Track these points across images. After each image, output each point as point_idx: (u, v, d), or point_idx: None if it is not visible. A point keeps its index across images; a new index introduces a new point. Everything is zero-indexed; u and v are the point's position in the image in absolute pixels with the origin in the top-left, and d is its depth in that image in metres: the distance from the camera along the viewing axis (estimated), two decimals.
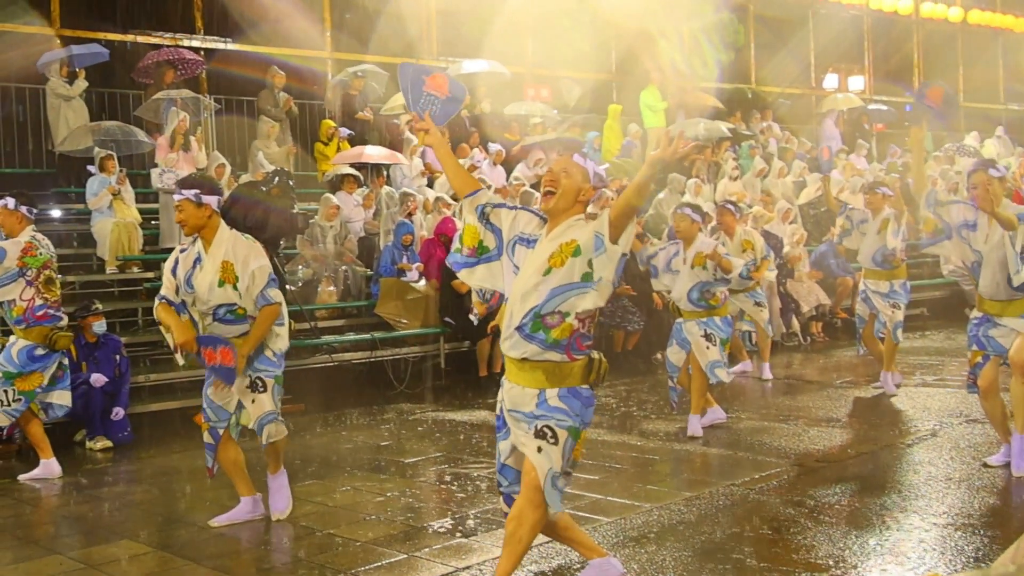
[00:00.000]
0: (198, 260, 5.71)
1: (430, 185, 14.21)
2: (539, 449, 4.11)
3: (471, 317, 10.91)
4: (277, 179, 9.80)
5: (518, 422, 4.20)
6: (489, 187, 12.85)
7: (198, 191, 5.67)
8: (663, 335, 8.68)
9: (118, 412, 8.76)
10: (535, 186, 14.45)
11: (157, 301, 5.74)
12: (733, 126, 18.19)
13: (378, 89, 15.42)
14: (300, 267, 11.62)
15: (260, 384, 5.77)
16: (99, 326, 8.86)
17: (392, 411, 9.99)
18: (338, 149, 14.28)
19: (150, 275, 11.21)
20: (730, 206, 10.75)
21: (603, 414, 9.18)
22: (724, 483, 6.48)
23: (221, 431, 5.85)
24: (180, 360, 5.75)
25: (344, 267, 11.87)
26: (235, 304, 5.69)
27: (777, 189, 16.25)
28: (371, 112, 15.06)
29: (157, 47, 14.19)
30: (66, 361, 7.75)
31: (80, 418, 8.60)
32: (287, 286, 10.63)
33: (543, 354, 4.12)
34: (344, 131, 14.47)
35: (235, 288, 5.64)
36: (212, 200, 5.71)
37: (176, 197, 5.67)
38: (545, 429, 4.12)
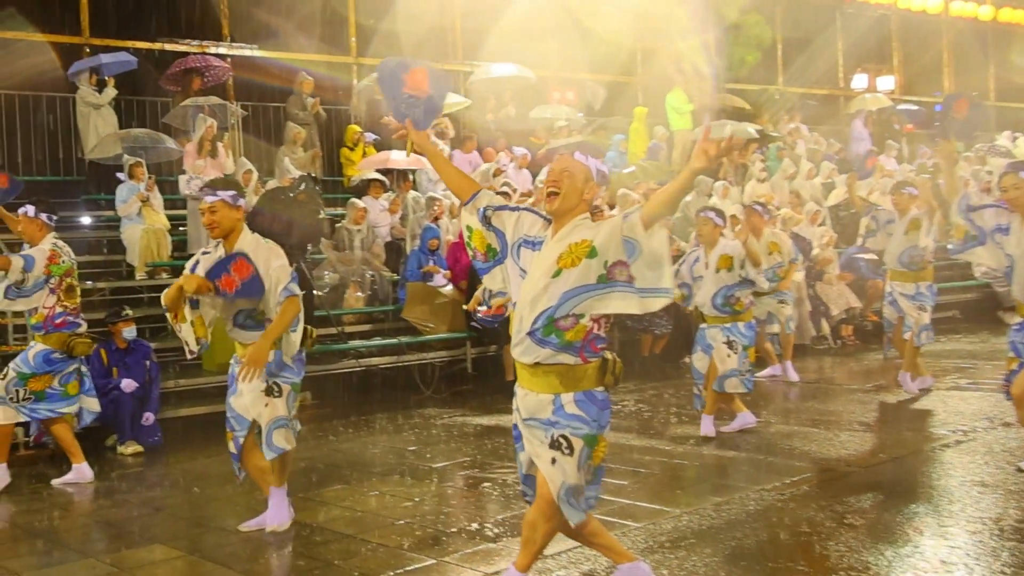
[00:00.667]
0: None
1: None
2: (553, 461, 4.08)
3: (475, 321, 10.82)
4: (303, 185, 9.85)
5: (533, 430, 4.17)
6: (514, 191, 12.86)
7: (235, 193, 5.72)
8: (691, 338, 8.64)
9: (148, 417, 8.83)
10: None
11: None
12: (760, 128, 18.13)
13: None
14: (327, 272, 11.68)
15: (276, 389, 5.75)
16: (129, 332, 8.93)
17: (419, 416, 10.01)
18: (364, 154, 14.34)
19: None
20: (758, 207, 10.69)
21: (631, 418, 9.17)
22: (754, 488, 6.46)
23: (243, 439, 5.85)
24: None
25: (371, 272, 11.93)
26: (255, 308, 5.70)
27: (806, 191, 16.17)
28: None
29: (184, 55, 14.31)
30: (85, 368, 7.82)
31: (111, 423, 8.68)
32: (314, 291, 10.69)
33: (555, 356, 4.07)
34: (370, 136, 14.53)
35: None
36: (243, 203, 5.79)
37: (209, 199, 5.63)
38: (560, 439, 4.08)
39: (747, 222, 10.47)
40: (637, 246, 4.01)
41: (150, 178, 11.90)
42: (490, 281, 4.42)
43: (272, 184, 12.63)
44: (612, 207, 13.09)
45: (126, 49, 13.94)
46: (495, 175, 13.73)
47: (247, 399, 5.76)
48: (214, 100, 13.20)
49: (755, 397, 9.48)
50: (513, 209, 4.31)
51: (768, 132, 18.57)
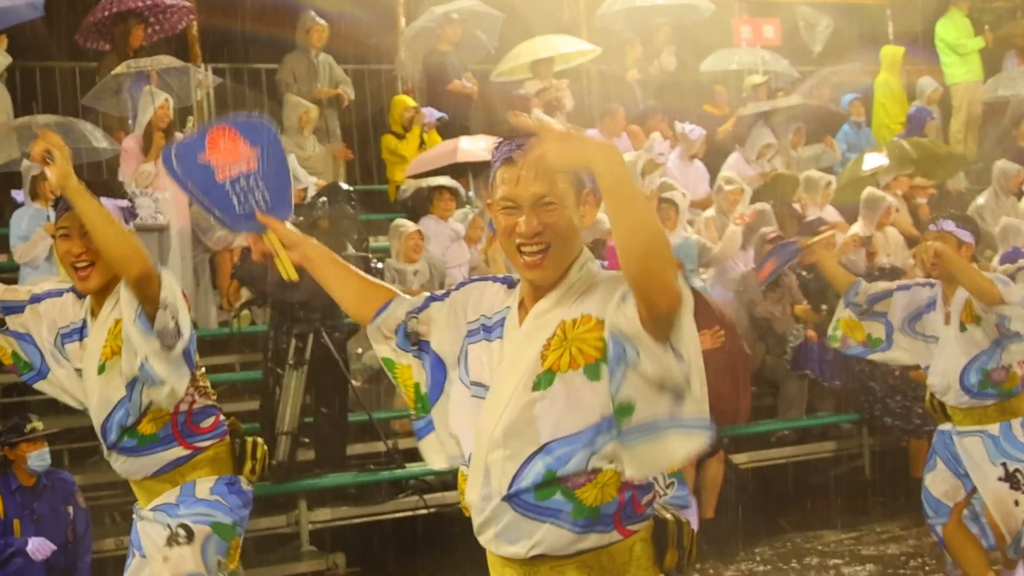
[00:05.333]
0: (80, 331, 5.77)
1: None
2: None
3: None
4: (326, 202, 9.87)
5: None
6: (675, 204, 12.74)
7: (127, 203, 5.77)
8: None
9: None
10: (761, 193, 14.30)
11: None
12: None
13: (486, 41, 15.60)
14: (366, 348, 11.70)
15: (183, 534, 5.76)
16: (38, 458, 8.97)
17: None
18: (422, 144, 14.41)
19: None
20: None
21: None
22: None
23: None
24: None
25: None
26: (128, 402, 5.66)
27: None
28: (474, 80, 15.26)
29: None
30: None
31: None
32: (350, 381, 10.72)
33: (575, 543, 3.82)
34: (431, 113, 14.59)
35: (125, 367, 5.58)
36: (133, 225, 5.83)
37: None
38: None
39: None
40: (630, 344, 3.67)
41: None
42: (435, 455, 4.19)
43: None
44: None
45: None
46: (646, 171, 13.72)
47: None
48: (167, 63, 13.35)
49: None
50: (443, 296, 4.20)
51: None
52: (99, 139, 12.69)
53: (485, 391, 3.91)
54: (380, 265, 11.93)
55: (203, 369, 5.96)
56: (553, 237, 3.79)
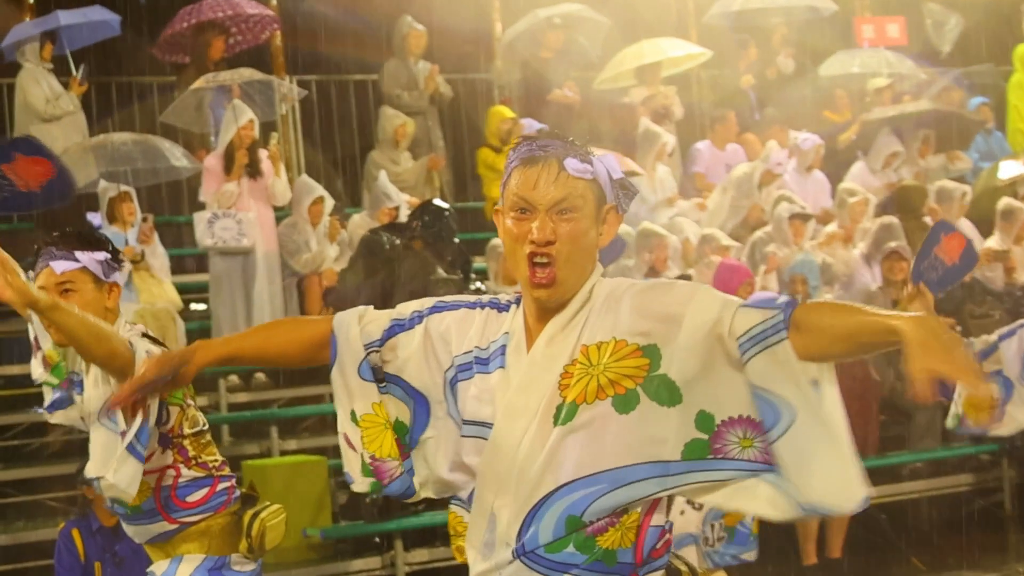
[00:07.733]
0: (81, 384, 5.76)
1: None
2: None
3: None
4: (422, 221, 9.73)
5: None
6: (800, 214, 12.46)
7: (106, 255, 5.69)
8: None
9: None
10: (887, 205, 14.07)
11: None
12: None
13: (589, 48, 15.46)
14: None
15: None
16: None
17: None
18: None
19: (201, 400, 11.23)
20: None
21: None
22: None
23: None
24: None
25: None
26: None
27: None
28: (576, 89, 15.11)
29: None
30: None
31: None
32: None
33: None
34: (531, 125, 14.43)
35: None
36: (119, 276, 5.78)
37: (60, 266, 5.58)
38: None
39: None
40: (786, 406, 3.50)
41: (144, 220, 12.06)
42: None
43: (360, 222, 12.62)
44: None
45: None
46: (763, 183, 13.59)
47: None
48: (250, 76, 13.35)
49: None
50: (409, 323, 3.90)
51: None
52: (179, 157, 12.64)
53: (485, 429, 3.71)
54: (482, 287, 11.81)
55: (208, 439, 5.88)
56: (567, 249, 3.62)
